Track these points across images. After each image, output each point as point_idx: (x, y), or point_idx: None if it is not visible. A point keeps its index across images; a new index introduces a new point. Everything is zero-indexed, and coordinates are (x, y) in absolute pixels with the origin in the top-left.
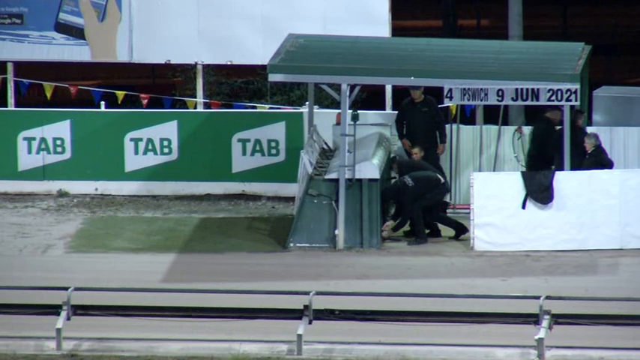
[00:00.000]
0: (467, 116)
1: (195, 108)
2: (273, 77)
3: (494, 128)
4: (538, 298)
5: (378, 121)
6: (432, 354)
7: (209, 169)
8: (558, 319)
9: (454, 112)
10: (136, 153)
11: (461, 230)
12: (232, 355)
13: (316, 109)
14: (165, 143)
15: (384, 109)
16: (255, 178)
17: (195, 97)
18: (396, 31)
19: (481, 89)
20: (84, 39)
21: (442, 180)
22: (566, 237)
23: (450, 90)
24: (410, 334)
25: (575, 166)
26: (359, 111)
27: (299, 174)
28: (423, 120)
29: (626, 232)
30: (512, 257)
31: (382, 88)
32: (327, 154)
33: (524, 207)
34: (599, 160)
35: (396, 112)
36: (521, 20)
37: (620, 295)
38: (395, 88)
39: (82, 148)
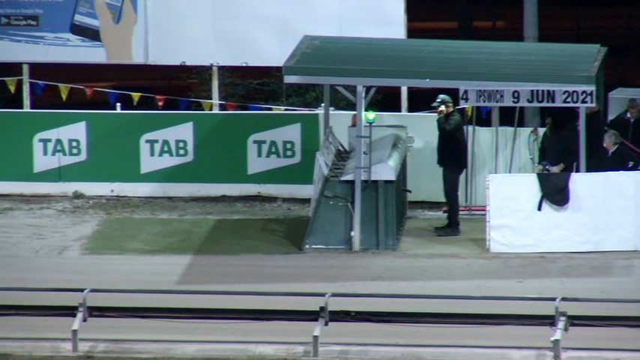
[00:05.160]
0: (482, 118)
1: (210, 109)
2: (289, 79)
3: (509, 130)
4: (554, 299)
5: (394, 122)
6: (448, 356)
7: (225, 170)
8: (574, 320)
9: (470, 113)
10: (152, 154)
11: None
12: (248, 357)
13: (332, 111)
14: (181, 145)
15: (400, 111)
16: (270, 180)
17: (211, 99)
18: (412, 32)
19: (497, 91)
20: (99, 40)
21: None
22: (582, 239)
23: (466, 91)
24: (426, 336)
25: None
26: (374, 113)
27: (314, 175)
28: None
29: None
30: (528, 259)
31: (398, 89)
32: (342, 155)
33: (540, 209)
34: (626, 156)
35: (412, 113)
36: (536, 22)
37: (636, 297)
38: (410, 90)
39: (97, 149)
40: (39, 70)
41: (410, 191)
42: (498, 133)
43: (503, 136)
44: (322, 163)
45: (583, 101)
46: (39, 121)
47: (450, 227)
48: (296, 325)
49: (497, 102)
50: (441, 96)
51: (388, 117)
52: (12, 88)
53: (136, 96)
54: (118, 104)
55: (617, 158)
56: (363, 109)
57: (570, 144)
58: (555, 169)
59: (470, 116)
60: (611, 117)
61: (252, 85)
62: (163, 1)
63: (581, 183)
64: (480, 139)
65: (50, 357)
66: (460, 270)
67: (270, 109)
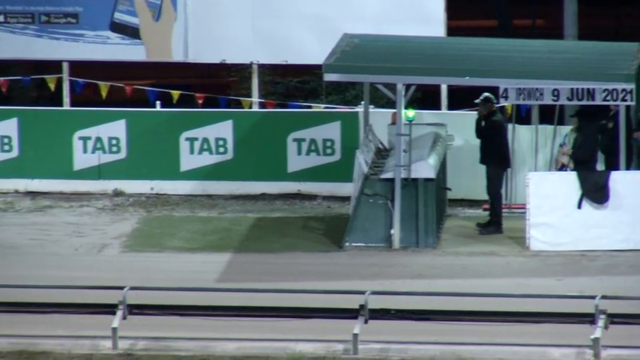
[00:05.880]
0: (522, 116)
1: (250, 107)
2: (329, 77)
3: (549, 128)
4: (594, 297)
5: (434, 120)
6: (488, 354)
7: (264, 168)
8: (614, 318)
9: (510, 111)
10: (192, 152)
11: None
12: (288, 355)
13: (372, 109)
14: (221, 143)
15: (440, 109)
16: (310, 178)
17: (251, 97)
18: (451, 30)
19: (536, 89)
20: (139, 38)
21: None
22: (622, 237)
23: (506, 90)
24: (465, 334)
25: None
26: (414, 111)
27: (354, 173)
28: None
29: None
30: (568, 257)
31: (438, 87)
32: (382, 153)
33: (580, 207)
34: None
35: (452, 111)
36: (576, 20)
37: None
38: (450, 88)
39: (137, 147)
40: (79, 68)
41: (450, 189)
42: (538, 131)
43: (543, 135)
44: (362, 161)
45: (623, 99)
46: (79, 118)
47: (493, 226)
48: (336, 323)
49: (537, 100)
50: (485, 94)
51: (428, 115)
52: (52, 86)
53: (175, 94)
54: (158, 102)
55: None
56: (402, 107)
57: (588, 140)
58: (565, 150)
59: (510, 114)
60: None
61: (292, 83)
62: None
63: (622, 181)
64: (520, 137)
65: (90, 355)
66: (500, 268)
67: (309, 107)
